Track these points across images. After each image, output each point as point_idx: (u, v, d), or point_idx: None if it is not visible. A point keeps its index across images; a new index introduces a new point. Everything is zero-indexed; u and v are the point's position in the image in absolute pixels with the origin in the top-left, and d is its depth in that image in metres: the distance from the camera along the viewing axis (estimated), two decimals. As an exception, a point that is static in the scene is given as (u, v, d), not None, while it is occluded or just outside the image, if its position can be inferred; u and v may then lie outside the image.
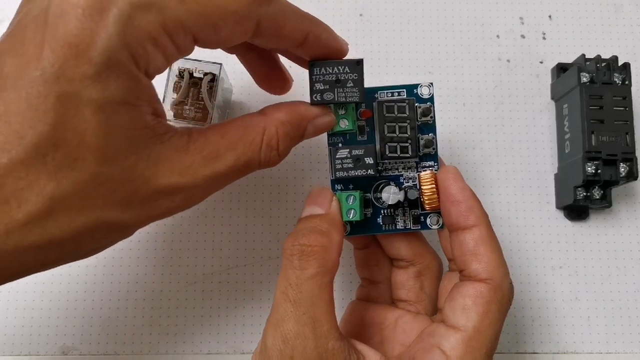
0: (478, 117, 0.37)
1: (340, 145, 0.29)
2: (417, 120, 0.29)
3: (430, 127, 0.29)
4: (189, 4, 0.22)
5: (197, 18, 0.22)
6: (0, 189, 0.20)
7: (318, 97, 0.27)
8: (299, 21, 0.26)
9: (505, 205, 0.36)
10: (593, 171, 0.33)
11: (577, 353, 0.34)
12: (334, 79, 0.27)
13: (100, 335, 0.33)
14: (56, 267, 0.23)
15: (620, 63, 0.34)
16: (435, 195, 0.28)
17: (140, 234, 0.34)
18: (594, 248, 0.35)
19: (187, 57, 0.29)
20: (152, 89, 0.23)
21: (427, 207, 0.28)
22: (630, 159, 0.33)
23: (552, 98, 0.37)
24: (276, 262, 0.34)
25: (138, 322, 0.34)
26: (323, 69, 0.27)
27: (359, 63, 0.27)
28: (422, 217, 0.29)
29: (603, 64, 0.34)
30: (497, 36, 0.38)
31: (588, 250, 0.35)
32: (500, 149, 0.36)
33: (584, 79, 0.34)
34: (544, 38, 0.38)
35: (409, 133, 0.28)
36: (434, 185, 0.28)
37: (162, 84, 0.32)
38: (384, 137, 0.28)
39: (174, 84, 0.32)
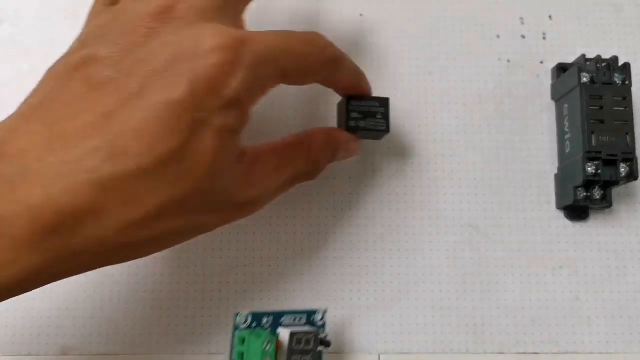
0: (478, 117, 0.37)
1: None
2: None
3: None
4: (284, 57, 0.27)
5: (297, 70, 0.28)
6: (123, 192, 0.23)
7: (353, 123, 0.32)
8: (352, 77, 0.31)
9: (506, 205, 0.36)
10: (593, 171, 0.33)
11: (577, 353, 0.34)
12: (366, 110, 0.32)
13: (100, 335, 0.33)
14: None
15: (620, 63, 0.34)
16: None
17: (140, 234, 0.34)
18: (594, 248, 0.35)
19: None
20: (247, 121, 0.27)
21: None
22: (630, 159, 0.33)
23: (552, 98, 0.37)
24: (276, 262, 0.35)
25: (138, 322, 0.34)
26: (358, 102, 0.32)
27: (386, 100, 0.33)
28: None
29: (603, 64, 0.34)
30: (497, 36, 0.38)
31: (588, 250, 0.35)
32: (500, 149, 0.36)
33: (584, 79, 0.34)
34: (544, 38, 0.38)
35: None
36: None
37: None
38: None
39: None
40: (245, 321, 0.29)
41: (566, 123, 0.35)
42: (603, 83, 0.33)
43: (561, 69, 0.36)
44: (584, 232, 0.36)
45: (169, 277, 0.34)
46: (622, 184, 0.34)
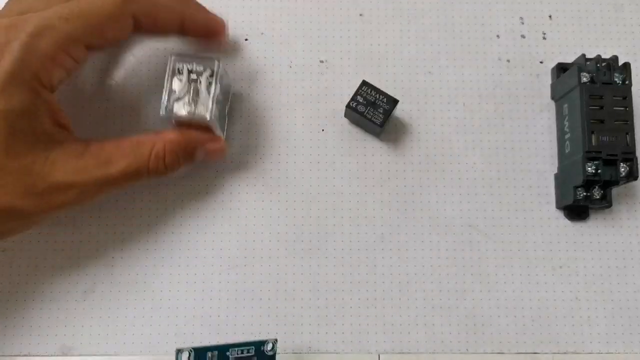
0: (478, 117, 0.37)
1: None
2: None
3: None
4: (72, 20, 0.28)
5: (82, 30, 0.28)
6: None
7: (354, 104, 0.34)
8: (170, 9, 0.32)
9: (505, 205, 0.36)
10: (593, 171, 0.33)
11: (577, 353, 0.34)
12: (372, 100, 0.34)
13: (100, 335, 0.33)
14: None
15: (620, 63, 0.34)
16: None
17: (140, 233, 0.34)
18: (594, 248, 0.35)
19: (185, 53, 0.32)
20: (52, 102, 0.29)
21: None
22: (630, 159, 0.33)
23: (552, 98, 0.37)
24: (276, 262, 0.34)
25: (138, 322, 0.34)
26: (370, 89, 0.34)
27: (395, 101, 0.34)
28: None
29: (603, 64, 0.34)
30: (497, 36, 0.38)
31: (588, 250, 0.35)
32: (500, 149, 0.36)
33: (584, 78, 0.34)
34: (544, 38, 0.38)
35: None
36: None
37: (161, 81, 0.32)
38: None
39: (174, 81, 0.32)
40: (188, 358, 0.29)
41: (566, 123, 0.35)
42: (603, 83, 0.33)
43: (561, 69, 0.36)
44: (584, 232, 0.36)
45: (168, 278, 0.34)
46: (622, 184, 0.34)
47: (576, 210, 0.35)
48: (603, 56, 0.34)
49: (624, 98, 0.33)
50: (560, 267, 0.35)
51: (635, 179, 0.33)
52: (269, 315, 0.34)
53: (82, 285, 0.34)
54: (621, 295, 0.35)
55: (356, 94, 0.34)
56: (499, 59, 0.37)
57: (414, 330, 0.34)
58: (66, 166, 0.28)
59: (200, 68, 0.32)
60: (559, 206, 0.36)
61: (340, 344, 0.34)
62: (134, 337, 0.34)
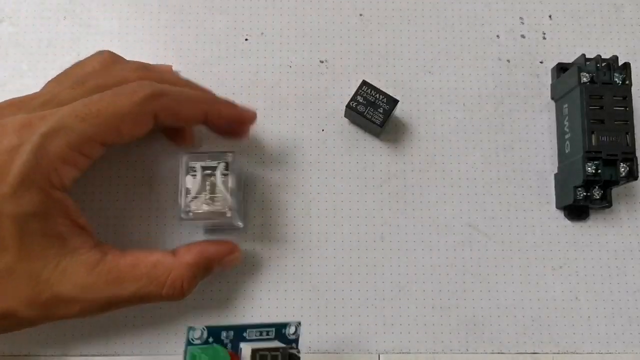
0: (478, 117, 0.37)
1: None
2: None
3: None
4: (88, 119, 0.27)
5: (98, 129, 0.27)
6: None
7: (354, 104, 0.34)
8: (193, 105, 0.30)
9: (505, 205, 0.36)
10: (593, 171, 0.33)
11: (577, 353, 0.34)
12: (372, 100, 0.34)
13: (100, 335, 0.33)
14: None
15: (620, 63, 0.34)
16: None
17: (140, 233, 0.34)
18: (594, 248, 0.35)
19: (197, 151, 0.32)
20: (65, 201, 0.28)
21: None
22: (630, 159, 0.33)
23: (552, 98, 0.37)
24: (276, 262, 0.34)
25: (138, 322, 0.34)
26: (370, 89, 0.34)
27: (395, 101, 0.34)
28: None
29: (603, 64, 0.34)
30: (497, 36, 0.38)
31: (588, 250, 0.35)
32: (500, 149, 0.36)
33: (584, 79, 0.34)
34: (544, 38, 0.38)
35: None
36: None
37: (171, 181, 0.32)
38: None
39: (187, 179, 0.31)
40: (200, 336, 0.26)
41: (566, 123, 0.35)
42: (603, 83, 0.33)
43: (561, 69, 0.36)
44: (584, 232, 0.36)
45: (169, 277, 0.34)
46: (622, 184, 0.34)
47: (576, 210, 0.35)
48: (603, 56, 0.34)
49: (624, 98, 0.33)
50: (560, 267, 0.35)
51: (636, 178, 0.33)
52: (268, 316, 0.34)
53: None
54: (621, 295, 0.35)
55: (356, 94, 0.34)
56: (499, 59, 0.37)
57: (414, 330, 0.34)
58: (75, 278, 0.27)
59: (214, 163, 0.31)
60: (559, 206, 0.36)
61: (340, 344, 0.34)
62: (134, 337, 0.34)
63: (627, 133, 0.33)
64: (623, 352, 0.34)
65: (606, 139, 0.33)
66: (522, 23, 0.38)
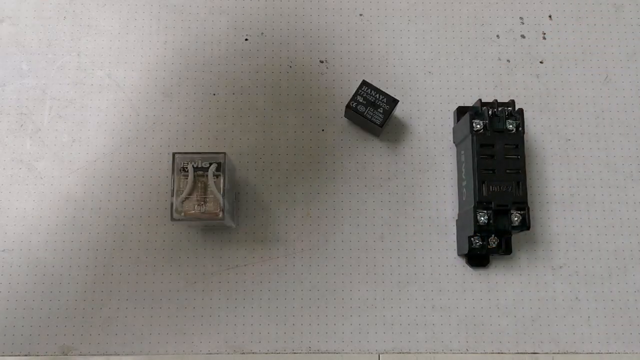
0: (478, 117, 0.37)
1: None
2: None
3: None
4: None
5: None
6: None
7: (354, 104, 0.34)
8: None
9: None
10: (485, 221, 0.31)
11: (577, 353, 0.34)
12: (372, 100, 0.34)
13: (100, 335, 0.33)
14: None
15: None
16: None
17: (140, 233, 0.34)
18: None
19: (188, 151, 0.31)
20: None
21: None
22: (523, 208, 0.31)
23: (454, 141, 0.36)
24: (276, 262, 0.34)
25: (138, 322, 0.34)
26: (370, 89, 0.34)
27: (395, 101, 0.34)
28: None
29: (499, 109, 0.32)
30: (497, 36, 0.38)
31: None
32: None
33: (477, 126, 0.32)
34: (544, 38, 0.38)
35: None
36: None
37: (168, 181, 0.31)
38: None
39: (179, 179, 0.31)
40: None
41: (463, 170, 0.34)
42: (495, 131, 0.32)
43: (461, 112, 0.35)
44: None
45: (169, 277, 0.34)
46: (515, 234, 0.33)
47: (477, 258, 0.34)
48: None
49: (516, 146, 0.32)
50: (560, 267, 0.35)
51: (528, 228, 0.31)
52: (268, 316, 0.34)
53: (81, 285, 0.34)
54: (621, 295, 0.35)
55: (356, 94, 0.34)
56: (499, 59, 0.37)
57: (414, 330, 0.34)
58: None
59: (205, 164, 0.31)
60: (460, 253, 0.35)
61: (340, 344, 0.34)
62: (134, 336, 0.34)
63: (518, 183, 0.31)
64: (623, 352, 0.34)
65: (497, 188, 0.31)
66: (522, 23, 0.38)
